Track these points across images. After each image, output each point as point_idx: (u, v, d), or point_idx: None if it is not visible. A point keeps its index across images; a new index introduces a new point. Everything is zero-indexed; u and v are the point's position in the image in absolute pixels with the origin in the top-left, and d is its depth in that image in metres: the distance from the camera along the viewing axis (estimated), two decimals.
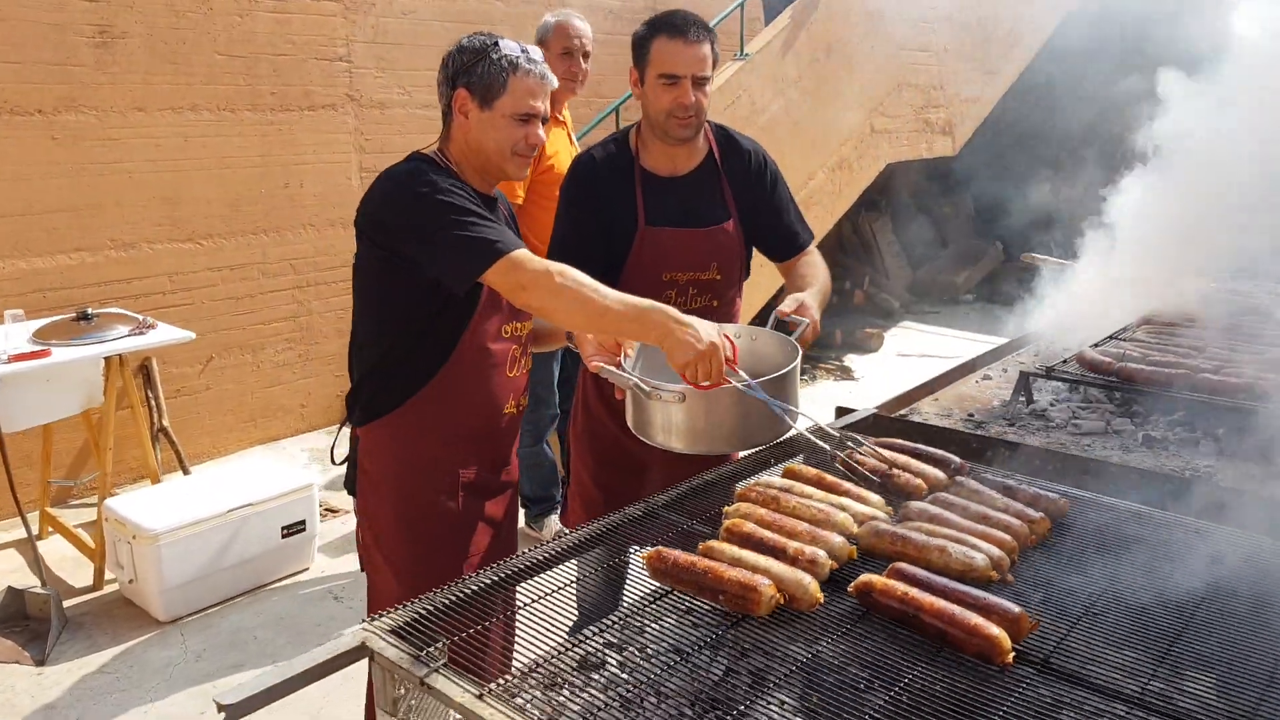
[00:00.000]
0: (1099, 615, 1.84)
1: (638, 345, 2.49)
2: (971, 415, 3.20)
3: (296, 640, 4.02)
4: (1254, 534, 2.13)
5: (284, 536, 4.47)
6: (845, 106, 7.96)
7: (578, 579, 1.99)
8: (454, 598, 1.82)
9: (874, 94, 8.20)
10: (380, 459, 2.41)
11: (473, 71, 2.30)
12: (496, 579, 1.90)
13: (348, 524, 5.00)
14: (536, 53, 2.36)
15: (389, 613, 1.75)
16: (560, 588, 1.94)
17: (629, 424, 2.49)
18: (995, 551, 1.92)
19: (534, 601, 1.88)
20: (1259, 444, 2.78)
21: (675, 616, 1.90)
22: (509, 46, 2.32)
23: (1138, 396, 3.12)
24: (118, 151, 5.13)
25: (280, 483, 4.49)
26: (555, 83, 2.39)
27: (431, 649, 1.65)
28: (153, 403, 5.12)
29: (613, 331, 2.30)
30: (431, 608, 1.77)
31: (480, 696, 1.53)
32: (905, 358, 8.40)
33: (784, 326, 2.70)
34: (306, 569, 4.61)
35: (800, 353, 2.50)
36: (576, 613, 1.93)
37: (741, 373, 2.27)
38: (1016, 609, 1.71)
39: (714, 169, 2.95)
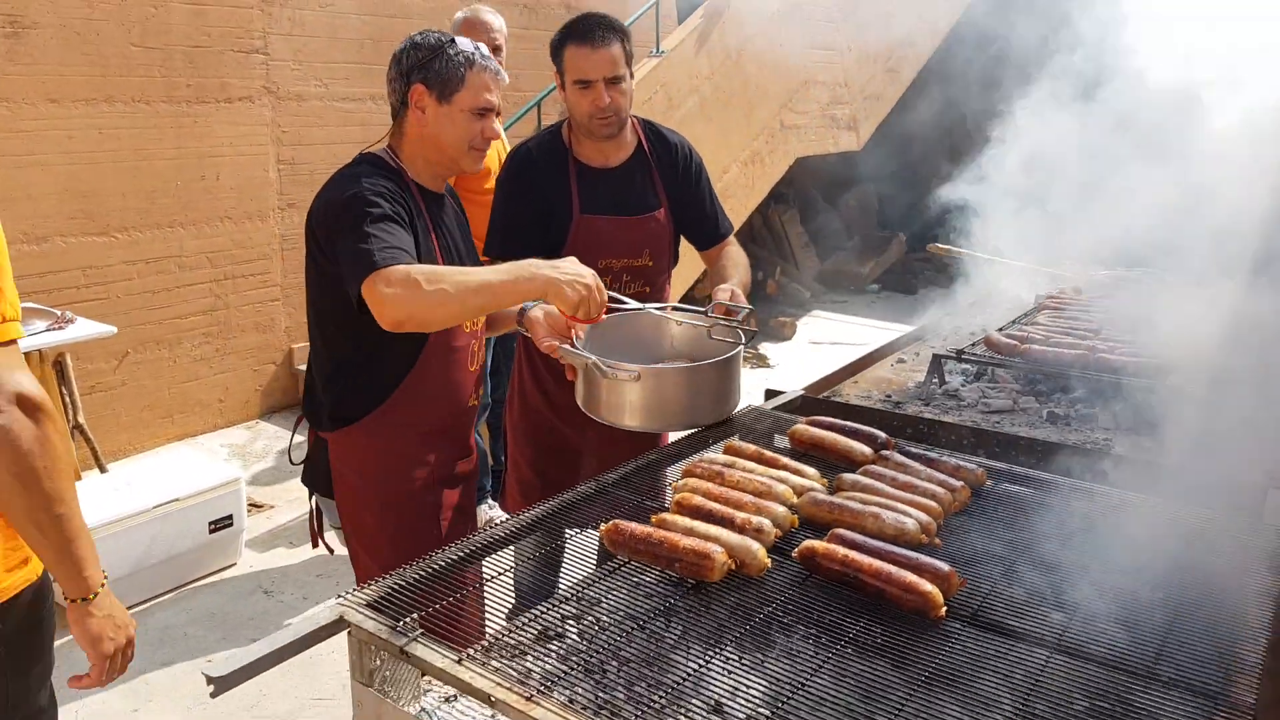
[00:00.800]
0: (1018, 573, 2.02)
1: (588, 326, 2.60)
2: (890, 396, 3.39)
3: (228, 636, 4.02)
4: (1146, 495, 2.34)
5: (211, 532, 4.44)
6: (756, 102, 8.17)
7: (530, 557, 2.09)
8: (425, 573, 1.90)
9: (783, 91, 8.43)
10: (356, 461, 2.44)
11: (429, 67, 2.34)
12: (463, 555, 1.99)
13: (274, 519, 4.99)
14: (485, 49, 2.44)
15: (363, 588, 1.82)
16: (520, 563, 2.04)
17: (579, 402, 2.60)
18: (923, 517, 2.09)
19: (499, 576, 1.98)
20: (1148, 416, 3.03)
21: (628, 589, 2.01)
22: (464, 43, 2.39)
23: (1041, 376, 3.36)
24: (30, 144, 5.00)
25: (205, 478, 4.45)
26: (507, 78, 2.48)
27: (406, 620, 1.74)
28: (67, 399, 5.01)
29: (496, 305, 2.34)
30: (404, 583, 1.85)
31: (459, 661, 1.62)
32: (817, 345, 8.66)
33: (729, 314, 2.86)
34: (234, 564, 4.59)
35: (744, 339, 2.64)
36: (535, 589, 2.03)
37: (620, 297, 2.48)
38: (946, 567, 1.87)
39: (644, 160, 3.07)
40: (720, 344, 2.66)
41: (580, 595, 1.98)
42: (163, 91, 5.48)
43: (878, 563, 1.88)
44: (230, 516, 4.51)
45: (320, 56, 6.22)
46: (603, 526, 2.03)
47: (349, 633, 1.75)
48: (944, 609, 1.81)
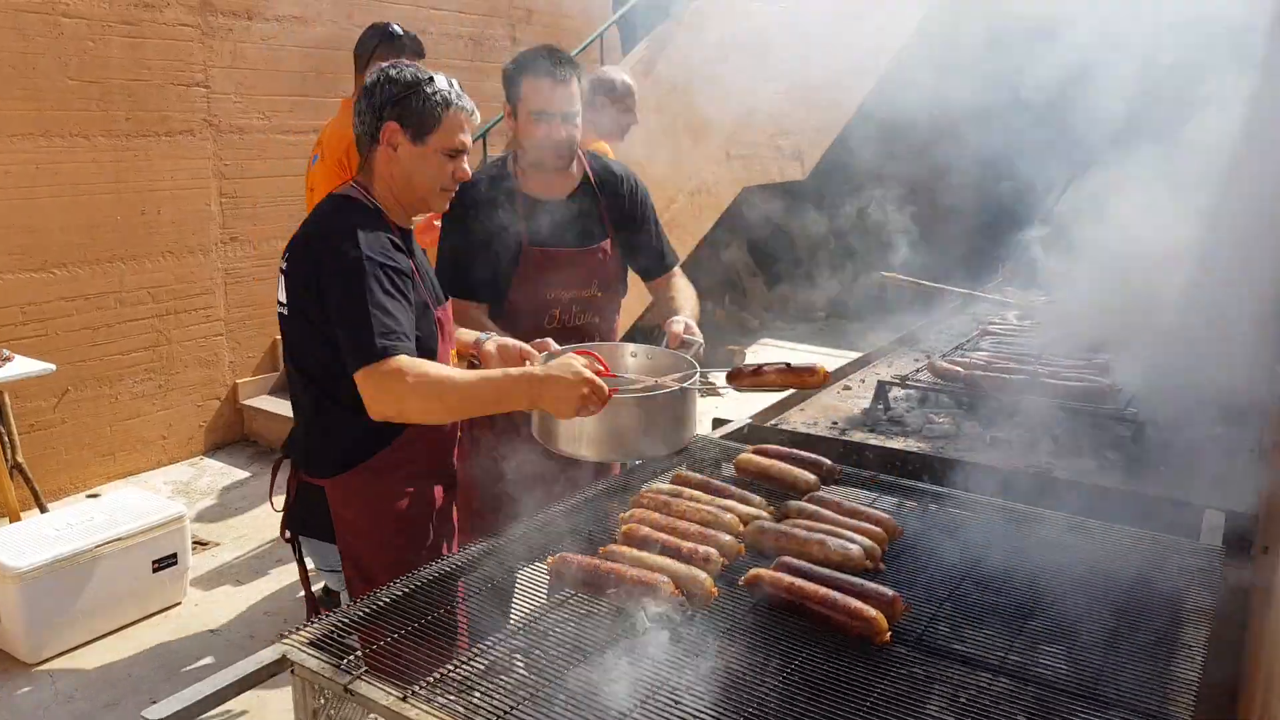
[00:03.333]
0: (962, 597, 2.05)
1: (544, 355, 2.60)
2: (835, 423, 3.43)
3: (173, 676, 3.92)
4: (1088, 519, 2.39)
5: (154, 570, 4.35)
6: (701, 133, 8.24)
7: (479, 590, 2.08)
8: (370, 609, 1.88)
9: (728, 121, 8.52)
10: (360, 505, 2.42)
11: (405, 104, 2.29)
12: (409, 589, 1.97)
13: (219, 556, 4.89)
14: (459, 87, 2.42)
15: (304, 627, 1.80)
16: (468, 596, 2.02)
17: (534, 433, 2.60)
18: (867, 542, 2.11)
19: (446, 610, 1.96)
20: (1088, 440, 3.10)
21: (576, 621, 2.00)
22: (441, 80, 2.36)
23: (983, 401, 3.41)
24: None
25: (148, 515, 4.36)
26: (479, 117, 2.47)
27: (350, 658, 1.72)
28: (5, 438, 4.89)
29: (479, 413, 2.37)
30: (348, 620, 1.83)
31: (404, 698, 1.61)
32: None
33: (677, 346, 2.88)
34: (179, 603, 4.49)
35: (699, 368, 2.66)
36: (483, 621, 2.02)
37: (620, 375, 2.43)
38: (890, 592, 1.89)
39: (590, 192, 3.09)
40: (674, 374, 2.68)
41: (529, 627, 1.97)
42: (101, 125, 5.41)
43: (823, 589, 1.90)
44: (174, 555, 4.42)
45: (262, 89, 6.18)
46: (549, 559, 2.03)
47: (292, 671, 1.73)
48: (889, 634, 1.83)
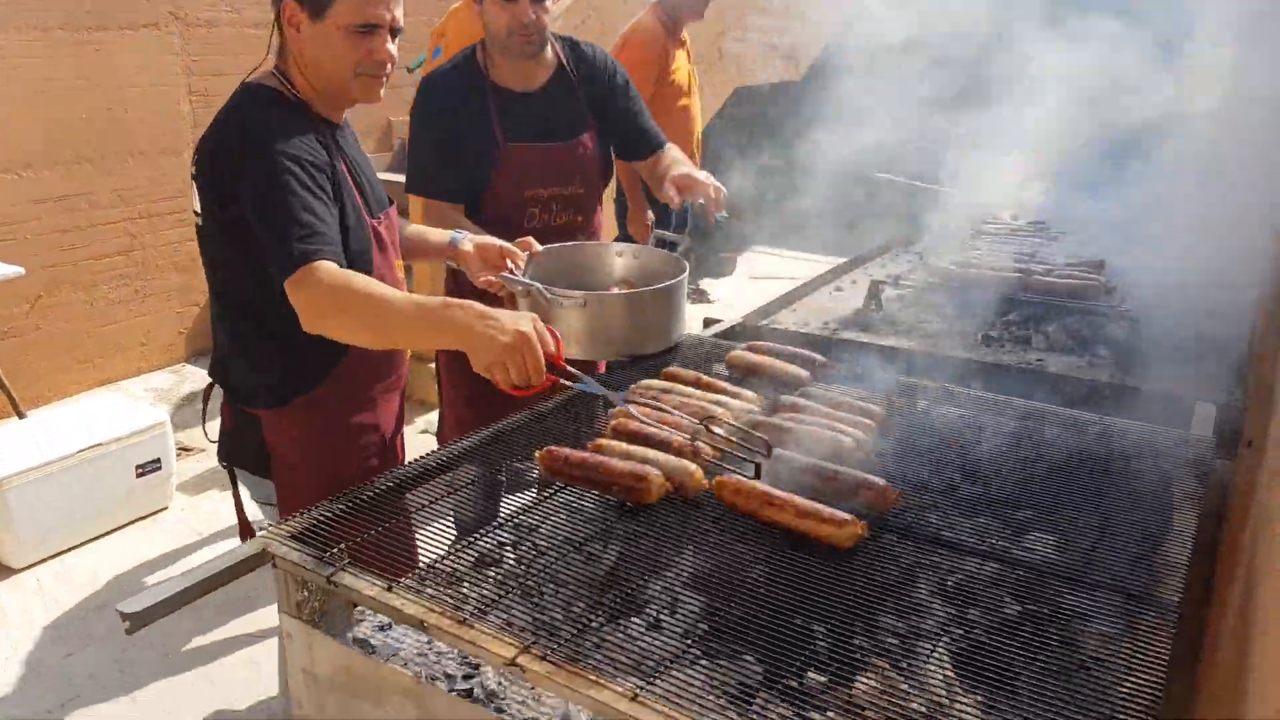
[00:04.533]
0: (953, 488, 2.03)
1: (527, 255, 2.52)
2: (828, 323, 3.38)
3: (161, 579, 3.92)
4: (1080, 411, 2.37)
5: (139, 476, 4.32)
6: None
7: (466, 486, 2.05)
8: (353, 504, 1.84)
9: (723, 17, 8.28)
10: (297, 440, 2.22)
11: None
12: (392, 485, 1.94)
13: (204, 462, 4.86)
14: None
15: (287, 520, 1.76)
16: (453, 491, 1.99)
17: None
18: (859, 434, 2.08)
19: (430, 505, 1.93)
20: (1081, 336, 3.07)
21: (566, 513, 1.98)
22: None
23: (977, 301, 3.37)
24: None
25: (131, 421, 4.32)
26: None
27: (333, 551, 1.68)
28: None
29: (411, 345, 2.03)
30: (331, 515, 1.80)
31: (389, 589, 1.58)
32: (757, 280, 8.66)
33: (668, 247, 2.81)
34: (165, 508, 4.47)
35: (687, 269, 2.60)
36: (456, 524, 1.99)
37: (569, 368, 1.97)
38: (882, 481, 1.86)
39: (567, 80, 2.96)
40: (662, 274, 2.61)
41: (517, 521, 1.94)
42: (61, 18, 5.17)
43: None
44: (158, 460, 4.38)
45: None
46: (538, 452, 1.99)
47: (274, 565, 1.69)
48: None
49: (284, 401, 2.20)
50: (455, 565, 1.79)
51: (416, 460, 2.05)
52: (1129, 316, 3.10)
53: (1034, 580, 1.70)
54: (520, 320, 1.85)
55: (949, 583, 1.75)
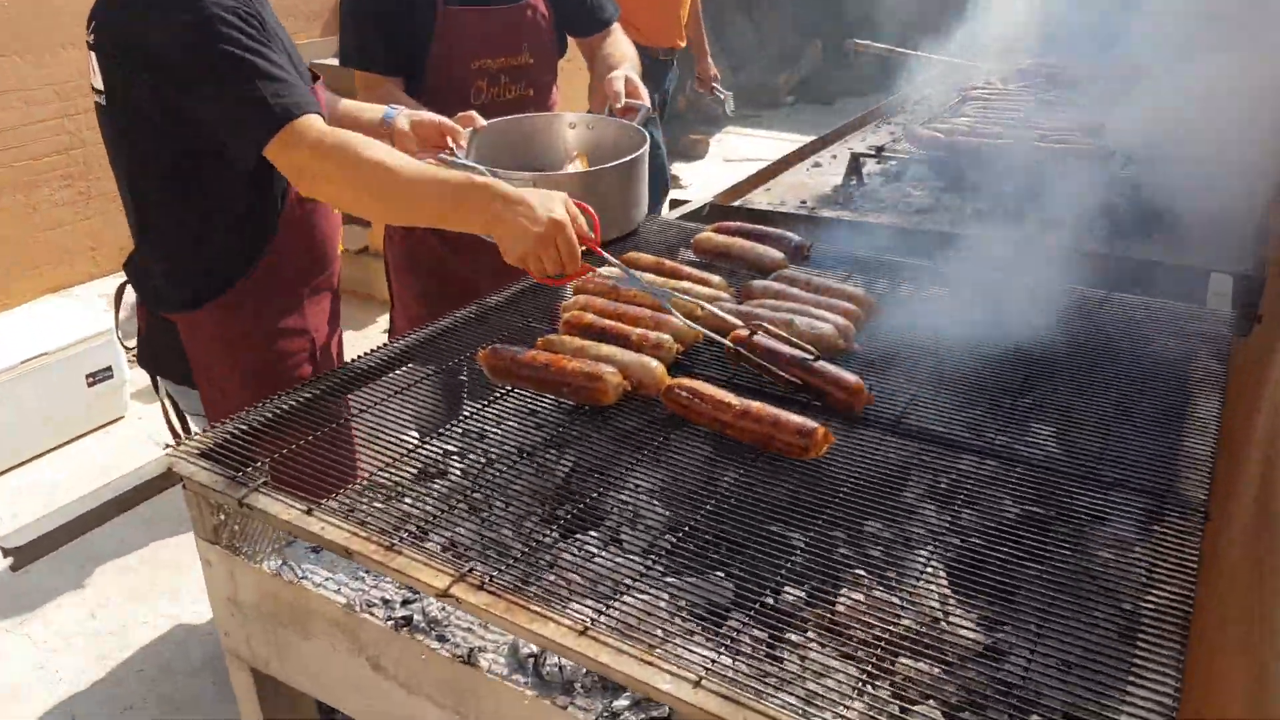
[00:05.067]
0: (944, 375, 1.84)
1: (469, 131, 2.28)
2: (804, 201, 3.15)
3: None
4: (1083, 287, 2.17)
5: (90, 385, 4.11)
6: None
7: (405, 390, 1.84)
8: (275, 414, 1.64)
9: None
10: (216, 347, 2.03)
11: None
12: (322, 391, 1.73)
13: None
14: None
15: (197, 435, 1.56)
16: (391, 396, 1.79)
17: None
18: (840, 321, 1.88)
19: (363, 412, 1.73)
20: (1083, 207, 2.85)
21: (517, 418, 1.79)
22: None
23: (966, 171, 3.13)
24: None
25: (77, 329, 4.09)
26: None
27: (250, 469, 1.49)
28: None
29: (424, 222, 1.82)
30: (248, 427, 1.60)
31: (309, 512, 1.39)
32: (731, 163, 8.34)
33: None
34: (121, 417, 4.29)
35: (648, 139, 2.36)
36: (413, 424, 1.79)
37: (608, 255, 1.85)
38: (853, 378, 1.66)
39: None
40: (621, 147, 2.37)
41: (465, 428, 1.75)
42: None
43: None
44: (109, 368, 4.18)
45: None
46: (481, 351, 1.79)
47: (184, 486, 1.50)
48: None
49: (197, 304, 1.99)
50: (397, 479, 1.61)
51: (350, 363, 1.85)
52: (1131, 184, 2.87)
53: (1037, 479, 1.52)
54: (553, 203, 1.69)
55: (942, 483, 1.58)
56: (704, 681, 1.11)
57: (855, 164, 3.23)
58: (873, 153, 3.25)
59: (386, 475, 1.60)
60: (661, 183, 5.00)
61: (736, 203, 3.06)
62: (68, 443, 4.11)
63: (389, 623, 1.42)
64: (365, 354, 1.86)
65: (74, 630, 3.08)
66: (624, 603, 1.28)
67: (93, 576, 3.30)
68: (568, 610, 1.23)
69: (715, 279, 2.10)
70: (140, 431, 4.22)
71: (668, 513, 1.52)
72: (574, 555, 1.41)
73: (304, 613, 1.45)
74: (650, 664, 1.13)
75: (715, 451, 1.63)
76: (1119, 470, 1.52)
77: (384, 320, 5.02)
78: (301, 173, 1.72)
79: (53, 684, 2.88)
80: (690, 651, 1.18)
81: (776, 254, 2.23)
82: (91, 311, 4.70)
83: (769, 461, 1.57)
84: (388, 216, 1.90)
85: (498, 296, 2.13)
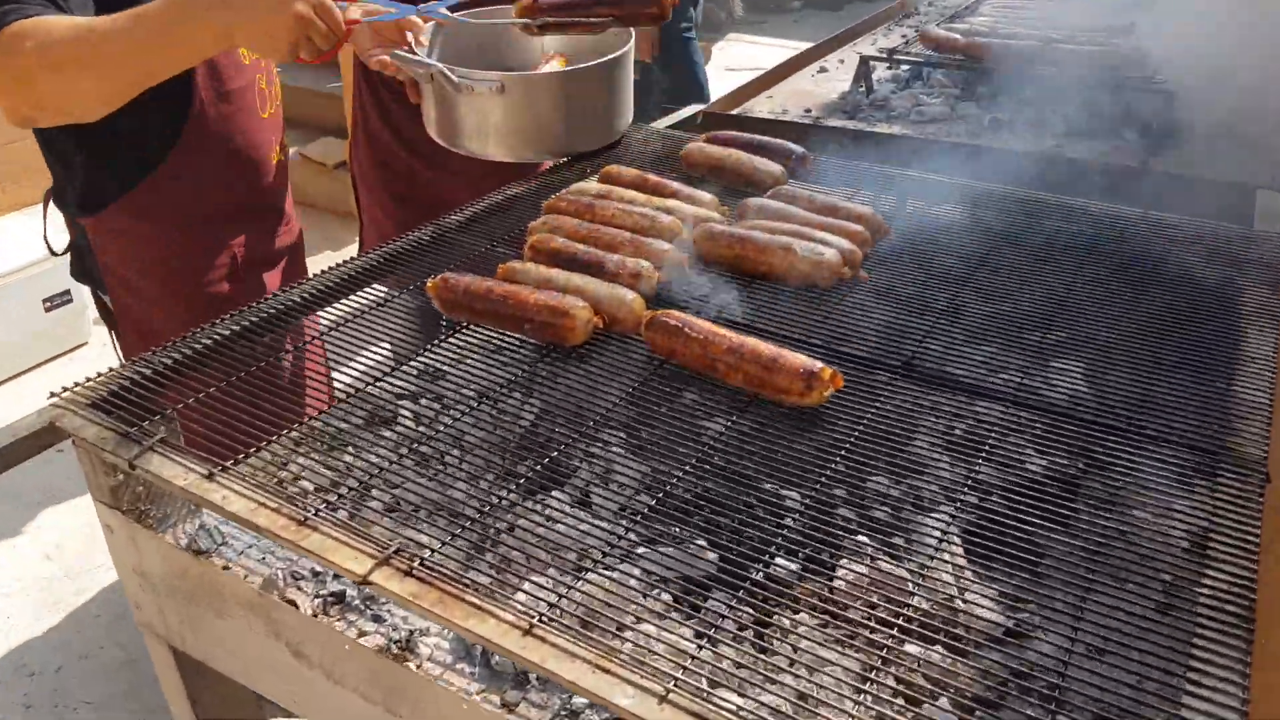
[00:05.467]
0: (961, 308, 1.62)
1: (430, 26, 2.03)
2: (809, 110, 2.90)
3: None
4: (1115, 205, 1.94)
5: (47, 310, 3.89)
6: None
7: (347, 323, 1.62)
8: (183, 355, 1.42)
9: None
10: (124, 253, 1.86)
11: None
12: (242, 327, 1.51)
13: None
14: None
15: (90, 381, 1.35)
16: (335, 328, 1.57)
17: (432, 132, 2.11)
18: (846, 245, 1.64)
19: (301, 348, 1.51)
20: (1113, 116, 2.60)
21: (480, 355, 1.57)
22: None
23: (984, 77, 2.86)
24: None
25: (29, 251, 3.84)
26: None
27: (150, 422, 1.28)
28: None
29: (159, 71, 1.55)
30: (153, 369, 1.38)
31: (210, 476, 1.18)
32: (733, 72, 7.96)
33: None
34: (85, 344, 4.07)
35: (633, 38, 2.10)
36: (359, 362, 1.58)
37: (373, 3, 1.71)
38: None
39: None
40: (603, 48, 2.11)
41: (420, 365, 1.54)
42: None
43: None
44: (67, 292, 3.95)
45: None
46: (430, 281, 1.56)
47: (74, 443, 1.29)
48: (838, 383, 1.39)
49: (100, 206, 1.82)
50: (341, 426, 1.40)
51: (286, 290, 1.62)
52: (1164, 90, 2.62)
53: (1065, 430, 1.31)
54: None
55: (955, 431, 1.37)
56: (672, 695, 0.91)
57: (865, 69, 2.97)
58: (884, 56, 2.97)
59: (325, 421, 1.40)
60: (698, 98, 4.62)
61: (735, 111, 2.81)
62: (29, 370, 3.90)
63: (318, 600, 1.22)
64: (304, 281, 1.64)
65: (27, 574, 2.91)
66: (587, 581, 1.09)
67: (47, 516, 3.12)
68: (514, 600, 1.03)
69: (706, 196, 1.86)
70: (105, 357, 4.00)
71: (645, 469, 1.31)
72: (536, 518, 1.21)
73: (214, 591, 1.25)
74: (608, 672, 0.93)
75: (698, 399, 1.42)
76: (1165, 422, 1.30)
77: None
78: (9, 90, 1.50)
79: (4, 631, 2.72)
80: (663, 644, 0.99)
81: (775, 167, 1.98)
82: (53, 230, 4.46)
83: (760, 412, 1.36)
84: (112, 85, 1.56)
85: (459, 215, 1.89)
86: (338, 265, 1.70)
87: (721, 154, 2.02)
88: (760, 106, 2.95)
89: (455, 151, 2.10)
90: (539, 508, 1.27)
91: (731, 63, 8.24)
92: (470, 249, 1.78)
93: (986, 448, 1.30)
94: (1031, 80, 2.71)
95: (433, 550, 1.08)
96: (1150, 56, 2.72)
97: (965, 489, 1.24)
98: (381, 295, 1.67)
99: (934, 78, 2.99)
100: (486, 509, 1.23)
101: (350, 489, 1.27)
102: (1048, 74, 2.67)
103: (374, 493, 1.30)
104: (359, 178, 2.71)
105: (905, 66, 3.02)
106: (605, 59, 2.02)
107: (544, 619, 0.99)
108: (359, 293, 1.66)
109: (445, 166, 2.40)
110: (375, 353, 1.59)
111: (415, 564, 1.05)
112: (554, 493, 1.31)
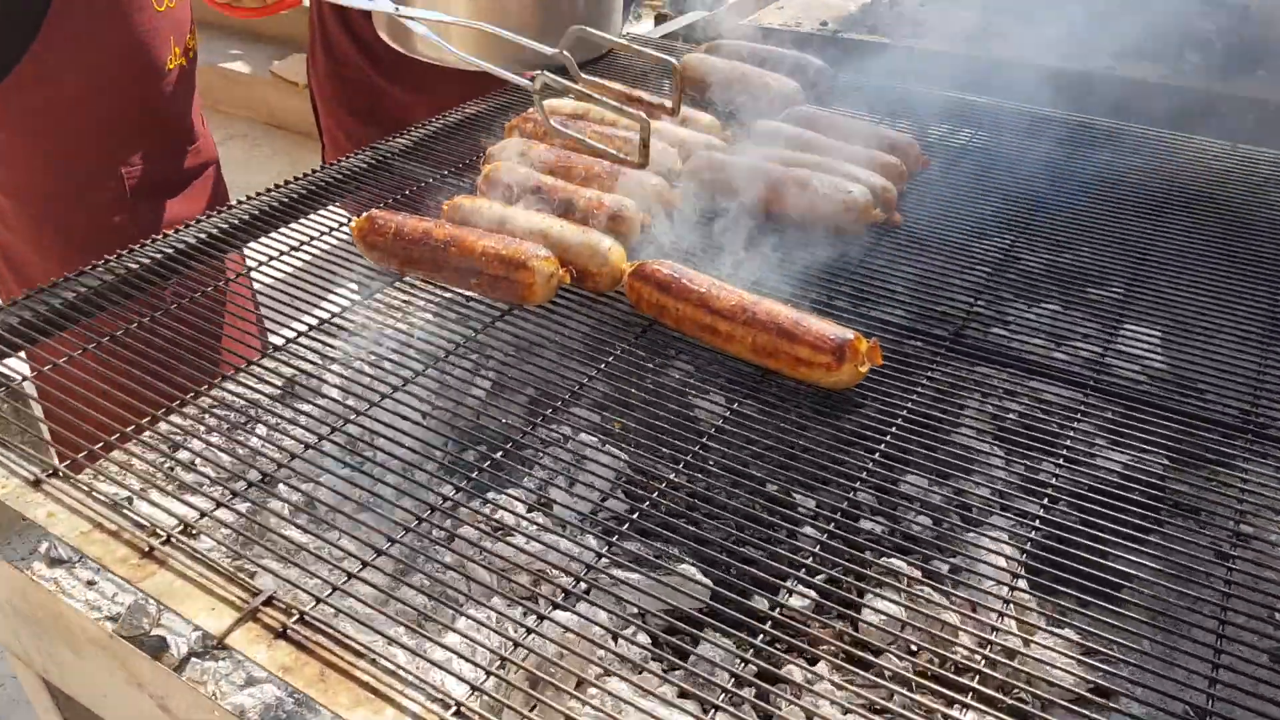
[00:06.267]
0: (1014, 260, 1.33)
1: None
2: (825, 22, 2.58)
3: None
4: (1182, 135, 1.64)
5: None
6: None
7: (260, 270, 1.32)
8: (49, 308, 1.13)
9: None
10: None
11: None
12: (129, 271, 1.21)
13: None
14: None
15: None
16: (242, 274, 1.27)
17: (382, 31, 1.87)
18: (877, 180, 1.34)
19: (183, 302, 1.21)
20: (1175, 33, 2.29)
21: (429, 312, 1.28)
22: None
23: None
24: None
25: None
26: None
27: None
28: None
29: None
30: (7, 323, 1.08)
31: (37, 483, 0.89)
32: None
33: None
34: None
35: None
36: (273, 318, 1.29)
37: None
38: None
39: None
40: None
41: (352, 323, 1.25)
42: None
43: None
44: None
45: None
46: (354, 221, 1.26)
47: None
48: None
49: None
50: (246, 399, 1.12)
51: (189, 223, 1.32)
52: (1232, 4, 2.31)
53: (1147, 422, 1.04)
54: None
55: (1008, 416, 1.09)
56: None
57: None
58: None
59: (228, 391, 1.11)
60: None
61: (744, 21, 2.49)
62: None
63: (189, 641, 0.94)
64: (201, 220, 1.33)
65: None
66: (543, 619, 0.81)
67: None
68: (429, 677, 0.75)
69: (706, 118, 1.55)
70: None
71: (620, 464, 1.04)
72: (478, 532, 0.94)
73: (63, 625, 0.97)
74: None
75: (697, 371, 1.13)
76: (1262, 407, 1.02)
77: None
78: None
79: None
80: (637, 711, 0.72)
81: (789, 84, 1.66)
82: None
83: (768, 392, 1.07)
84: None
85: (405, 137, 1.57)
86: (252, 196, 1.39)
87: (725, 66, 1.69)
88: (770, 17, 2.63)
89: (413, 58, 1.80)
90: (487, 510, 1.00)
91: None
92: (415, 178, 1.46)
93: (1047, 437, 1.01)
94: None
95: (318, 599, 0.79)
96: None
97: (1024, 493, 0.96)
98: (309, 232, 1.37)
99: None
100: (424, 515, 0.95)
101: (251, 483, 0.99)
102: None
103: (281, 488, 1.03)
104: (316, 92, 2.44)
105: None
106: None
107: (461, 711, 0.71)
108: (280, 230, 1.36)
109: (407, 79, 2.10)
110: (298, 307, 1.29)
111: (293, 619, 0.76)
112: (507, 491, 1.03)
